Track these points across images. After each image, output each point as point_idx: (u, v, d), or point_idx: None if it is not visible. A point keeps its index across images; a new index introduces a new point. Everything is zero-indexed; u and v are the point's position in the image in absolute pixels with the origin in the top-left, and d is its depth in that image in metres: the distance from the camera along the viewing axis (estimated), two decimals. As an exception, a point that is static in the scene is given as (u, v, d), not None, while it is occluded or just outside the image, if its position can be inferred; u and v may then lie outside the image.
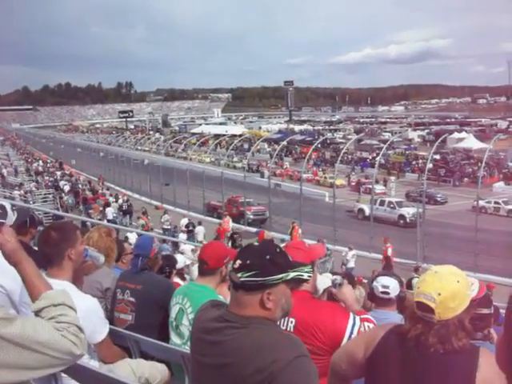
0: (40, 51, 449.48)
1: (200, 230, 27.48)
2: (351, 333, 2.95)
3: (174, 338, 3.95)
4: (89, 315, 3.28)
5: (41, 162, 63.84)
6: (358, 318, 3.04)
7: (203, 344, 2.27)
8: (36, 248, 5.87)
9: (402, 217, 32.77)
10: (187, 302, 3.85)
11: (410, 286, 7.53)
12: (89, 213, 32.39)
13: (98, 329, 3.44)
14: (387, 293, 4.45)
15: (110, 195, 38.92)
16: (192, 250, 15.64)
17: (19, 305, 3.46)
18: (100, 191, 41.42)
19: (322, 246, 4.05)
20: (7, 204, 4.09)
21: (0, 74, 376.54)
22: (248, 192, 34.51)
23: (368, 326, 3.05)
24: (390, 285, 4.46)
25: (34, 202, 28.74)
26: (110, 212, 31.69)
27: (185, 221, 29.56)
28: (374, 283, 4.59)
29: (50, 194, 35.89)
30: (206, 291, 3.74)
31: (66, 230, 3.55)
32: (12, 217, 3.94)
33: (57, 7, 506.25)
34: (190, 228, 28.32)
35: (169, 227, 29.82)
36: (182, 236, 26.24)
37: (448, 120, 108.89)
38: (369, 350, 2.29)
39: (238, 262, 2.18)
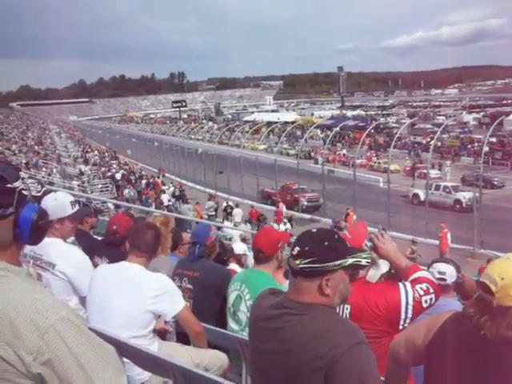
0: (95, 45, 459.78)
1: (237, 213, 28.41)
2: (406, 303, 2.92)
3: (231, 324, 4.04)
4: (165, 290, 3.52)
5: (96, 152, 65.02)
6: (408, 286, 2.99)
7: (262, 331, 2.30)
8: (96, 236, 6.17)
9: (458, 201, 32.07)
10: (245, 289, 3.91)
11: None
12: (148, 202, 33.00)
13: (175, 299, 3.58)
14: (444, 279, 4.36)
15: (163, 184, 39.29)
16: (240, 236, 15.96)
17: (81, 292, 3.82)
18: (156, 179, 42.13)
19: (363, 225, 3.70)
20: (69, 196, 4.22)
21: (57, 68, 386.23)
22: (302, 179, 34.48)
23: (421, 288, 2.97)
24: (446, 271, 4.40)
25: (91, 192, 29.30)
26: (166, 198, 32.24)
27: (224, 204, 30.74)
28: (431, 269, 4.46)
29: (106, 184, 36.56)
30: (265, 277, 3.79)
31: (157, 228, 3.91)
32: (69, 208, 4.04)
33: (109, 2, 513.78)
34: (229, 210, 29.43)
35: (213, 213, 30.16)
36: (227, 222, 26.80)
37: (504, 102, 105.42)
38: (428, 337, 2.26)
39: (297, 248, 2.20)
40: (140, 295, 3.42)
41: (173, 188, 36.75)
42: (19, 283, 1.74)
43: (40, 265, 3.77)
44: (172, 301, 3.53)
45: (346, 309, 3.01)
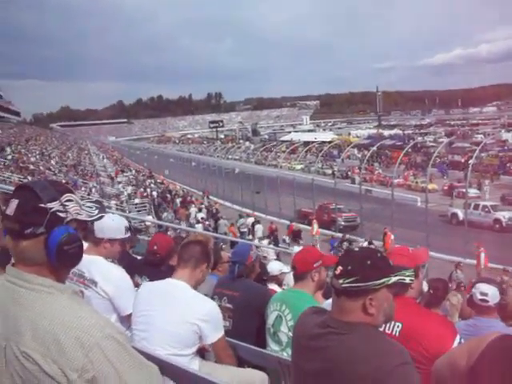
0: (133, 66, 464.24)
1: (259, 228, 29.24)
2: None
3: (271, 344, 3.99)
4: (213, 314, 3.54)
5: (134, 171, 65.70)
6: (462, 340, 2.87)
7: (305, 350, 2.28)
8: (135, 256, 6.26)
9: (497, 221, 31.57)
10: (286, 309, 3.86)
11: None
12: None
13: (219, 327, 3.57)
14: (486, 300, 4.32)
15: (201, 203, 39.69)
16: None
17: (121, 310, 3.87)
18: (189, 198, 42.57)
19: (425, 251, 3.87)
20: (125, 221, 4.33)
21: (97, 90, 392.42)
22: (339, 198, 34.37)
23: None
24: (488, 292, 4.32)
25: (129, 212, 29.44)
26: (200, 216, 32.54)
27: (251, 220, 31.43)
28: (473, 290, 4.48)
29: (144, 203, 36.90)
30: (304, 297, 3.77)
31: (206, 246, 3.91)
32: (123, 233, 4.15)
33: (148, 24, 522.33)
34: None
35: (245, 230, 30.38)
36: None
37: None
38: (472, 358, 2.05)
39: (339, 268, 2.18)
40: (189, 314, 3.45)
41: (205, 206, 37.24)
42: (65, 301, 1.78)
43: (83, 282, 3.83)
44: (216, 327, 3.54)
45: (397, 326, 2.96)
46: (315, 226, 29.65)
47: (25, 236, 1.77)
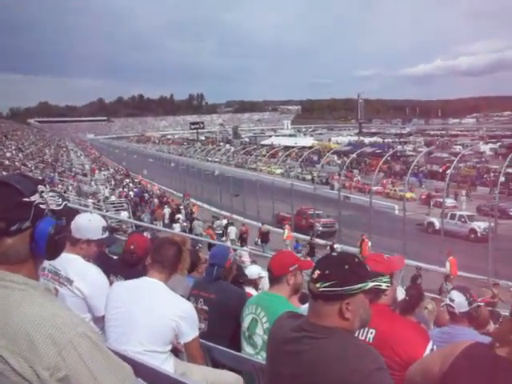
0: (115, 64, 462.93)
1: (232, 230, 29.60)
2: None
3: (246, 348, 3.97)
4: (189, 313, 3.58)
5: (112, 170, 65.68)
6: (435, 347, 2.92)
7: (280, 354, 2.28)
8: (111, 256, 6.20)
9: (473, 231, 31.98)
10: (261, 312, 3.86)
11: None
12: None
13: (194, 327, 3.61)
14: (452, 307, 4.36)
15: (179, 204, 39.81)
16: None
17: (96, 310, 3.84)
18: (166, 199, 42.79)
19: (401, 258, 3.94)
20: (103, 221, 4.35)
21: (77, 86, 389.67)
22: (317, 204, 34.61)
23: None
24: (455, 299, 4.35)
25: (107, 211, 29.20)
26: (180, 219, 32.66)
27: (224, 221, 32.12)
28: (447, 295, 4.56)
29: (121, 202, 36.70)
30: (279, 300, 3.76)
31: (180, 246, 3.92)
32: (100, 233, 4.14)
33: (132, 23, 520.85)
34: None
35: (220, 232, 30.57)
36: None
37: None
38: (446, 365, 2.11)
39: (317, 272, 2.18)
40: (168, 310, 3.46)
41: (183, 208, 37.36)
42: (38, 298, 1.73)
43: (58, 280, 3.80)
44: (192, 326, 3.56)
45: (371, 333, 2.99)
46: (286, 230, 30.24)
47: (10, 233, 1.72)
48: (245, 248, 21.62)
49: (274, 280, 3.89)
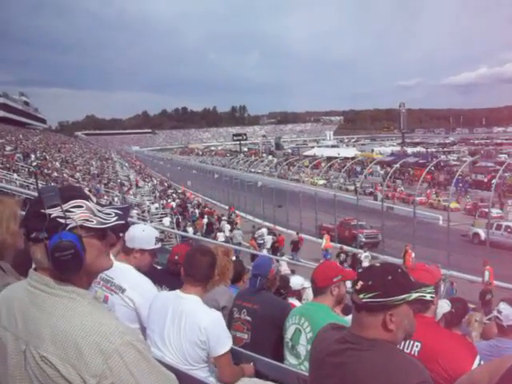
0: (159, 78, 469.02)
1: (268, 240, 30.33)
2: None
3: (289, 358, 3.93)
4: (214, 326, 3.46)
5: (155, 181, 66.32)
6: (482, 362, 2.84)
7: (324, 366, 2.25)
8: (155, 266, 6.27)
9: (519, 242, 31.26)
10: (305, 322, 3.82)
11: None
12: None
13: (223, 341, 3.48)
14: (499, 319, 4.26)
15: (220, 215, 40.03)
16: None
17: (144, 320, 3.82)
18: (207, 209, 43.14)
19: (437, 269, 3.71)
20: (156, 232, 4.42)
21: (122, 100, 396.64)
22: (360, 215, 34.19)
23: None
24: (503, 311, 4.25)
25: (151, 221, 29.28)
26: (227, 229, 33.15)
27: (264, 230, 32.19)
28: (496, 308, 4.44)
29: (166, 213, 37.02)
30: (322, 310, 3.75)
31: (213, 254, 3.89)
32: (153, 243, 4.25)
33: (176, 37, 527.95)
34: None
35: (262, 242, 30.65)
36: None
37: None
38: (494, 380, 2.02)
39: (360, 283, 2.17)
40: (192, 328, 3.43)
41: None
42: (86, 306, 1.77)
43: (110, 287, 3.84)
44: (218, 342, 3.46)
45: (416, 346, 2.93)
46: (324, 239, 30.38)
47: (31, 240, 1.80)
48: (284, 258, 21.72)
49: (318, 290, 3.89)
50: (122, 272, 3.84)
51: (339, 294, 3.86)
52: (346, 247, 29.53)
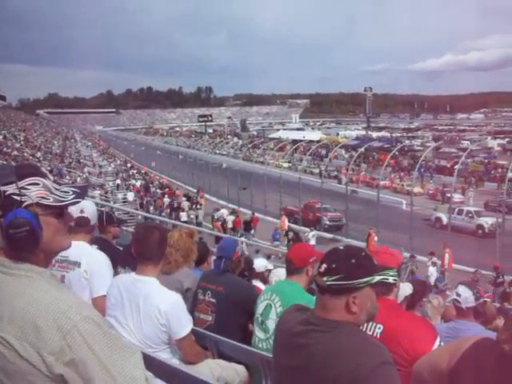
0: (124, 57, 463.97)
1: (229, 220, 31.24)
2: None
3: (258, 332, 3.98)
4: (174, 309, 3.46)
5: (118, 161, 66.08)
6: (442, 342, 2.90)
7: (287, 346, 2.28)
8: (118, 246, 6.23)
9: (480, 227, 31.98)
10: (276, 297, 3.89)
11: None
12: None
13: (183, 323, 3.51)
14: (458, 301, 4.36)
15: (184, 195, 40.25)
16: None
17: (93, 291, 3.93)
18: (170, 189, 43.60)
19: (400, 253, 3.83)
20: (92, 204, 4.56)
21: (86, 78, 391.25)
22: (325, 198, 34.57)
23: None
24: (462, 294, 4.35)
25: (114, 202, 29.16)
26: (186, 205, 33.81)
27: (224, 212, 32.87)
28: (454, 290, 4.56)
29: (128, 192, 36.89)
30: (295, 287, 3.81)
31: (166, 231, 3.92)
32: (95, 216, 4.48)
33: (142, 16, 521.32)
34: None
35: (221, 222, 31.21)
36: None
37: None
38: (453, 360, 2.15)
39: (324, 265, 2.19)
40: (151, 312, 3.42)
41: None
42: (43, 284, 1.73)
43: (66, 266, 3.90)
44: (179, 324, 3.48)
45: (379, 328, 2.97)
46: (280, 221, 31.23)
47: None
48: (242, 239, 21.87)
49: (294, 270, 3.91)
50: (76, 248, 3.67)
51: (311, 274, 3.86)
52: (293, 226, 30.64)
